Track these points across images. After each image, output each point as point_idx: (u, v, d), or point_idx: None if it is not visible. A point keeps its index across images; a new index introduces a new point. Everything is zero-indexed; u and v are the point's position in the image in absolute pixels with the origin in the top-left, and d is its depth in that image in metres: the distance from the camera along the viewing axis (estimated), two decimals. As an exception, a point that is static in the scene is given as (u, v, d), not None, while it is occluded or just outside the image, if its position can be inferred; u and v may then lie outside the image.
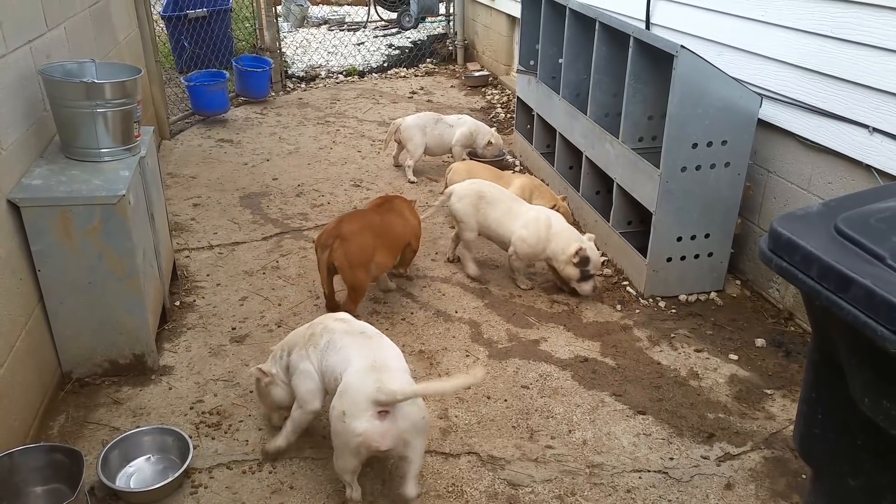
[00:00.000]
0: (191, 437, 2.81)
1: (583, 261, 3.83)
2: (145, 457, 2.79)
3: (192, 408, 3.09)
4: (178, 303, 3.81)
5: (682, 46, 3.46)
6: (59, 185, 2.93)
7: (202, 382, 3.25)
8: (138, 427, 2.89)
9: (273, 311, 3.82)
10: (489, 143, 5.57)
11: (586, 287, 3.91)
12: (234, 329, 3.65)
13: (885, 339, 1.18)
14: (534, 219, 3.97)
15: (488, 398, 3.21)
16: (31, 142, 3.13)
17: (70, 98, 3.03)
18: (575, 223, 4.62)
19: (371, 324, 3.65)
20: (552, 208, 4.44)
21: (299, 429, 2.74)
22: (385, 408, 2.35)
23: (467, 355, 3.50)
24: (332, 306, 3.63)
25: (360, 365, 2.46)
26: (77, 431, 2.95)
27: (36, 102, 3.22)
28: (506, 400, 3.20)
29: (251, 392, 3.17)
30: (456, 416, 3.09)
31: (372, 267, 3.59)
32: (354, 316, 2.94)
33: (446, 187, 4.68)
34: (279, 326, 3.67)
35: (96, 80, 3.08)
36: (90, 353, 3.16)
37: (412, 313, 3.84)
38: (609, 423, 3.08)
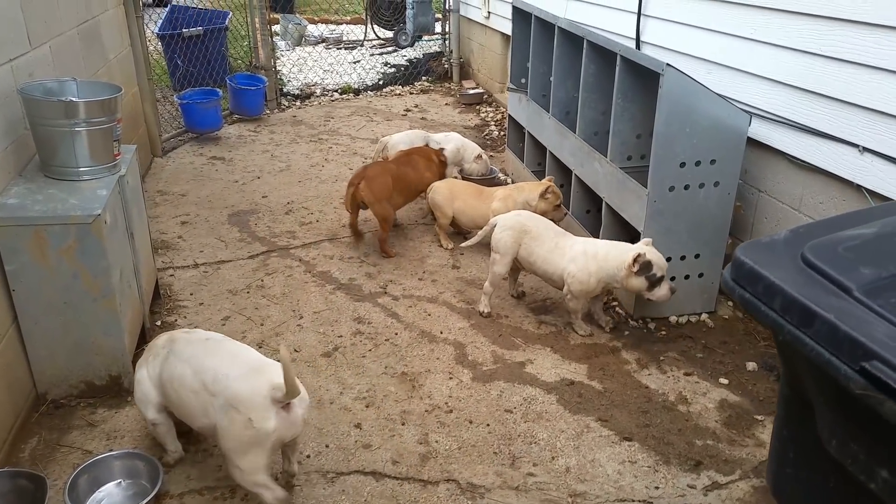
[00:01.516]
0: (161, 462, 2.75)
1: (644, 266, 3.49)
2: (115, 482, 2.72)
3: (167, 431, 3.02)
4: (158, 322, 3.76)
5: (667, 65, 3.43)
6: (34, 204, 2.89)
7: (179, 405, 3.18)
8: (110, 451, 2.82)
9: (255, 331, 3.76)
10: (478, 156, 5.53)
11: (661, 292, 3.54)
12: (214, 350, 3.59)
13: (848, 379, 1.11)
14: (581, 252, 3.69)
15: (470, 422, 3.14)
16: (9, 160, 3.09)
17: (48, 116, 3.00)
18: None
19: (354, 344, 3.66)
20: (543, 193, 4.47)
21: (157, 436, 2.84)
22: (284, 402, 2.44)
23: (450, 377, 3.44)
24: (356, 233, 4.60)
25: (237, 372, 2.49)
26: (49, 455, 2.89)
27: (16, 121, 3.19)
28: (488, 424, 3.13)
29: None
30: (436, 442, 3.02)
31: (390, 202, 4.53)
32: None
33: (428, 207, 4.65)
34: (260, 347, 3.61)
35: (75, 99, 3.05)
36: (65, 374, 3.10)
37: (396, 334, 3.78)
38: (594, 450, 3.00)
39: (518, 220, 3.90)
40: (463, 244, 4.28)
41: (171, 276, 4.26)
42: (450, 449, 2.98)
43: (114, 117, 3.11)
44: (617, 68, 3.89)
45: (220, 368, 2.52)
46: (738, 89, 3.84)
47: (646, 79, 3.88)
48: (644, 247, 3.55)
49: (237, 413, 2.41)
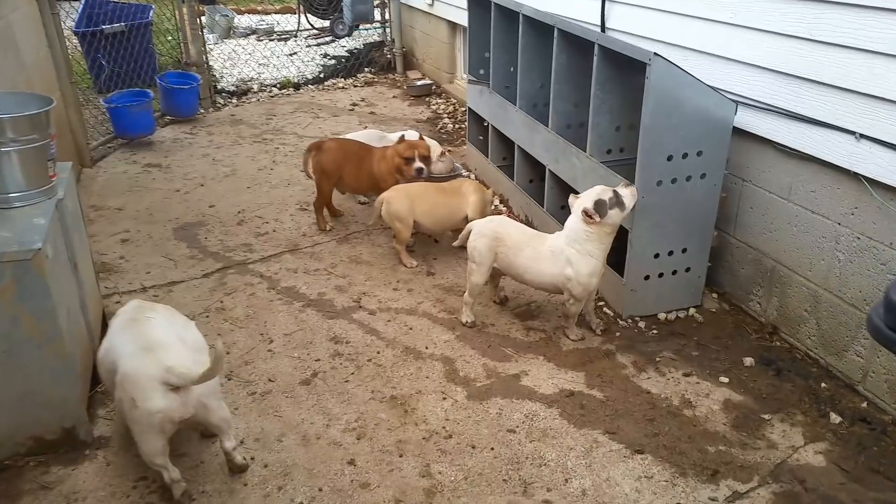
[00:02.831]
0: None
1: (598, 207, 3.34)
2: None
3: (134, 487, 2.67)
4: (111, 359, 3.35)
5: (655, 54, 3.24)
6: (-41, 240, 2.47)
7: (145, 454, 2.82)
8: (72, 519, 2.46)
9: (222, 360, 3.40)
10: (443, 153, 5.26)
11: (627, 197, 3.36)
12: (178, 385, 3.22)
13: None
14: (575, 255, 3.44)
15: (473, 447, 2.90)
16: (-78, 188, 2.65)
17: (-33, 136, 2.57)
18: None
19: (334, 368, 3.36)
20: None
21: None
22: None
23: (444, 398, 3.19)
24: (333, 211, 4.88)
25: (129, 350, 2.50)
26: (-4, 529, 2.50)
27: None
28: (492, 448, 2.90)
29: (202, 463, 2.77)
30: (440, 473, 2.77)
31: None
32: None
33: (378, 217, 4.28)
34: (229, 379, 3.26)
35: (1, 115, 2.62)
36: (10, 431, 2.69)
37: (378, 353, 3.49)
38: (607, 467, 2.81)
39: (490, 228, 3.64)
40: (455, 243, 4.00)
41: (118, 303, 3.83)
42: (455, 480, 2.73)
43: (47, 133, 2.70)
44: (595, 58, 3.69)
45: (119, 346, 2.55)
46: (718, 76, 3.70)
47: (622, 68, 3.69)
48: (583, 201, 3.42)
49: (124, 391, 2.42)
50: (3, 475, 2.70)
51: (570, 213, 3.52)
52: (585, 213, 3.37)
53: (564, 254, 3.45)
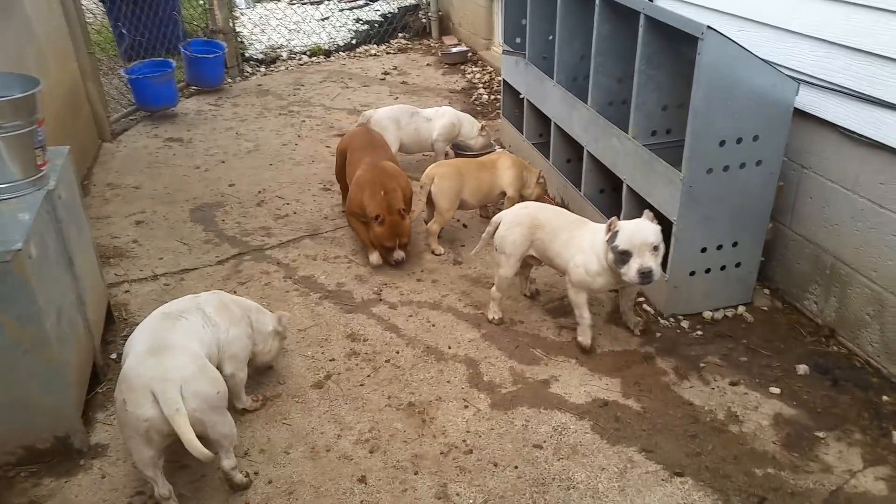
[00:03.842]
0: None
1: (613, 235, 2.93)
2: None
3: (129, 502, 2.50)
4: (113, 355, 3.18)
5: (708, 27, 2.87)
6: (-65, 238, 2.28)
7: (144, 464, 2.65)
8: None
9: (231, 358, 3.21)
10: (482, 128, 4.95)
11: (628, 273, 2.89)
12: (184, 385, 3.04)
13: None
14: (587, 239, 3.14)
15: (495, 465, 2.65)
16: None
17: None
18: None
19: (349, 369, 3.14)
20: (537, 179, 4.18)
21: None
22: None
23: (466, 406, 2.94)
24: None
25: (138, 348, 2.38)
26: (-14, 545, 2.36)
27: None
28: (516, 467, 2.65)
29: (203, 476, 2.58)
30: (458, 495, 2.53)
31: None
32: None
33: (428, 199, 4.04)
34: (239, 379, 3.07)
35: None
36: None
37: (398, 352, 3.26)
38: (642, 492, 2.54)
39: (527, 214, 3.34)
40: (472, 253, 3.76)
41: (127, 292, 3.67)
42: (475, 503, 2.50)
43: (33, 119, 2.48)
44: (640, 30, 3.31)
45: (135, 340, 2.45)
46: (778, 51, 3.29)
47: (671, 41, 3.31)
48: (639, 219, 2.97)
49: (118, 390, 2.31)
50: (-6, 485, 2.56)
51: (610, 199, 3.19)
52: (609, 227, 2.97)
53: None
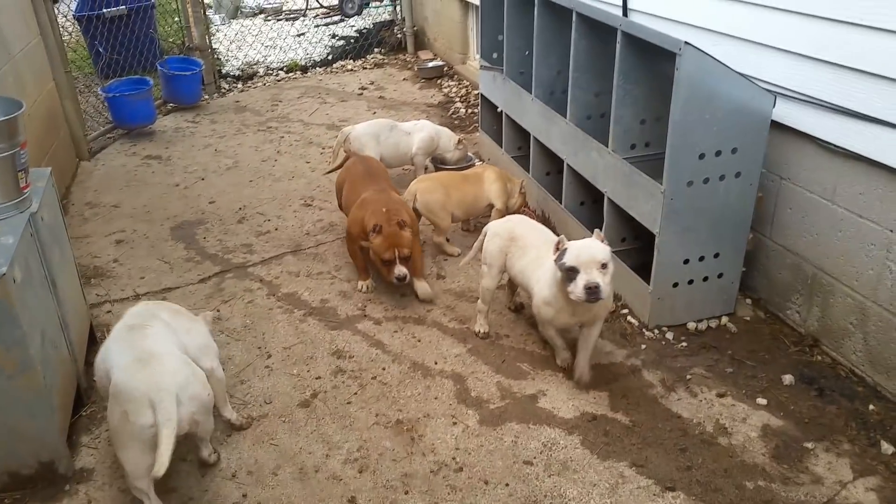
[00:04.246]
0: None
1: (561, 253, 2.85)
2: None
3: (117, 529, 2.46)
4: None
5: (685, 43, 2.92)
6: (-84, 264, 2.24)
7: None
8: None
9: (216, 379, 3.17)
10: (459, 142, 4.98)
11: (574, 291, 2.77)
12: (169, 408, 3.00)
13: None
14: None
15: (486, 483, 2.65)
16: None
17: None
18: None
19: (336, 387, 3.12)
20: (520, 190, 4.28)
21: None
22: None
23: (454, 422, 2.94)
24: None
25: (123, 361, 2.39)
26: (-33, 577, 2.30)
27: None
28: (507, 484, 2.65)
29: (191, 500, 2.55)
30: (449, 513, 2.53)
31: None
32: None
33: (417, 215, 4.05)
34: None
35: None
36: (-18, 466, 2.48)
37: (384, 369, 3.25)
38: (634, 507, 2.56)
39: (506, 227, 3.36)
40: (461, 263, 3.77)
41: (108, 312, 3.62)
42: (466, 522, 2.49)
43: (16, 142, 2.44)
44: (618, 46, 3.36)
45: (115, 355, 2.44)
46: (753, 65, 3.36)
47: (648, 56, 3.37)
48: (588, 238, 2.90)
49: (115, 404, 2.31)
50: (-24, 514, 2.50)
51: (591, 212, 3.20)
52: (557, 246, 2.90)
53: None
